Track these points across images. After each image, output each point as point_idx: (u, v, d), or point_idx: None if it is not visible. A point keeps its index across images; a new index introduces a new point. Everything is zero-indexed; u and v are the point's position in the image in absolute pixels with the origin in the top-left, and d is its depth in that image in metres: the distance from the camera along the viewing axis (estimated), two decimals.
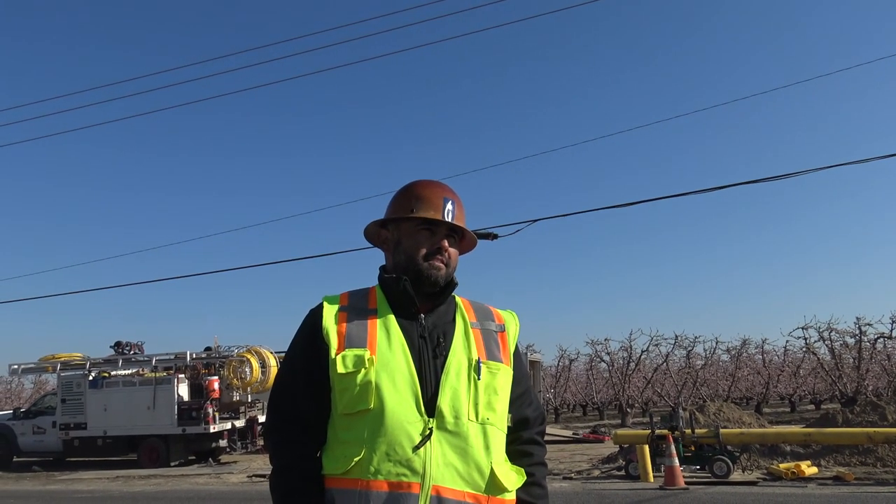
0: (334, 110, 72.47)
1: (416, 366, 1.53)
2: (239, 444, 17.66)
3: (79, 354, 18.70)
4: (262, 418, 17.55)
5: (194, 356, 17.59)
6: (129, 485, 13.59)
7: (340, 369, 1.52)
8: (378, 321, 1.60)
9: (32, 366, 19.29)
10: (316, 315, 1.64)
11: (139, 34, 68.20)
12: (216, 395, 16.65)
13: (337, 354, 1.54)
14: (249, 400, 17.88)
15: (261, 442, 17.49)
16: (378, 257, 1.80)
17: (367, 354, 1.52)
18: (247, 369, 16.93)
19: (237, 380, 16.84)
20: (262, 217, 66.70)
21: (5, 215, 58.25)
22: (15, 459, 17.97)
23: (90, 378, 17.23)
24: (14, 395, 37.66)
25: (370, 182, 66.45)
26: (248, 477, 13.68)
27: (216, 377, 16.95)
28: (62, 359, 18.58)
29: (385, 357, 1.53)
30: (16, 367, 19.00)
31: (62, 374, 17.80)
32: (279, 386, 1.69)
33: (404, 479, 1.44)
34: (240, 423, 17.49)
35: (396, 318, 1.61)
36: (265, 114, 68.86)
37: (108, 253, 69.16)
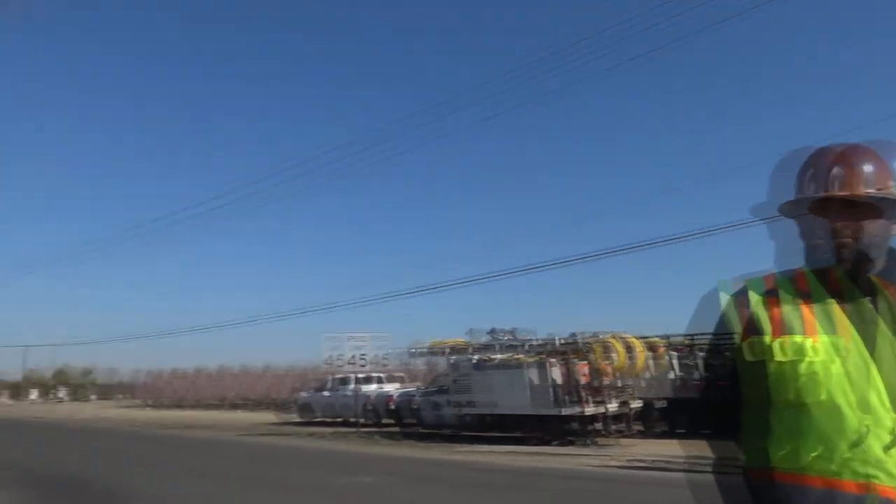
0: None
1: (869, 354, 1.41)
2: (613, 428, 17.81)
3: (462, 340, 20.93)
4: (634, 403, 17.53)
5: (562, 341, 18.28)
6: (516, 460, 14.66)
7: (779, 357, 1.45)
8: (816, 306, 1.48)
9: (426, 350, 22.22)
10: (741, 301, 1.57)
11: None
12: (587, 378, 17.05)
13: (773, 341, 1.47)
14: (620, 384, 17.91)
15: (636, 427, 17.45)
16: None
17: (807, 342, 1.43)
18: (613, 354, 17.00)
19: (605, 364, 17.00)
20: None
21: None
22: (419, 430, 20.93)
23: (474, 361, 19.14)
24: (410, 374, 43.89)
25: None
26: (627, 461, 13.65)
27: (585, 362, 17.34)
28: (448, 344, 21.02)
29: (831, 345, 1.43)
30: (414, 350, 22.12)
31: (451, 358, 20.15)
32: (720, 378, 1.68)
33: (876, 481, 1.34)
34: (612, 407, 17.62)
35: (837, 302, 1.48)
36: None
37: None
